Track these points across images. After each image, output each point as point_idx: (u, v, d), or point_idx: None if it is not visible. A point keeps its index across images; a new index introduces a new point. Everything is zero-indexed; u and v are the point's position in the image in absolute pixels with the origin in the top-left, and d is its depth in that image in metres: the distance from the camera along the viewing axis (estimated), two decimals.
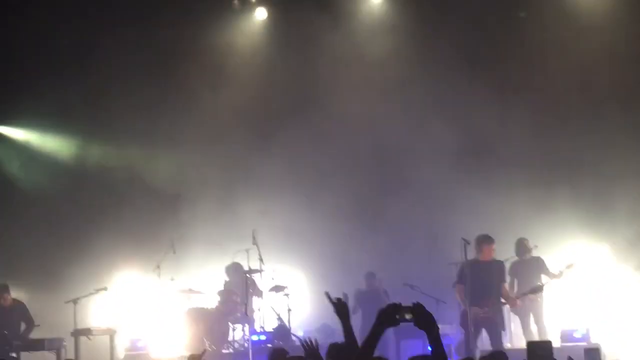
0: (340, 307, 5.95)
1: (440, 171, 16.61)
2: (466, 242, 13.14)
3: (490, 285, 13.28)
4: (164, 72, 17.60)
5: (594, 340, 13.81)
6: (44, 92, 17.21)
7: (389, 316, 5.44)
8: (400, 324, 5.16)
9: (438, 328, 5.46)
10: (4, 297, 14.94)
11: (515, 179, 16.46)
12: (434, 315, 5.44)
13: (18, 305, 15.10)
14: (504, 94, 16.74)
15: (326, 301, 6.15)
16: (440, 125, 16.57)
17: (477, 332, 13.21)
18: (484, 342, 13.60)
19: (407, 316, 5.38)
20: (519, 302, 13.79)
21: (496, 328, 13.21)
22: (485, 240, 13.34)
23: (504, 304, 13.46)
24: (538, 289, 13.99)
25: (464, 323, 13.22)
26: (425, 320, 5.42)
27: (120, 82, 17.15)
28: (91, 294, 16.05)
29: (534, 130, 16.56)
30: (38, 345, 14.43)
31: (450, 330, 15.38)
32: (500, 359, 8.33)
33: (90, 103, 17.58)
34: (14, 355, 14.31)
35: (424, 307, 5.43)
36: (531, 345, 6.01)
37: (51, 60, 17.36)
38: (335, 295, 6.29)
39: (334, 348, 6.70)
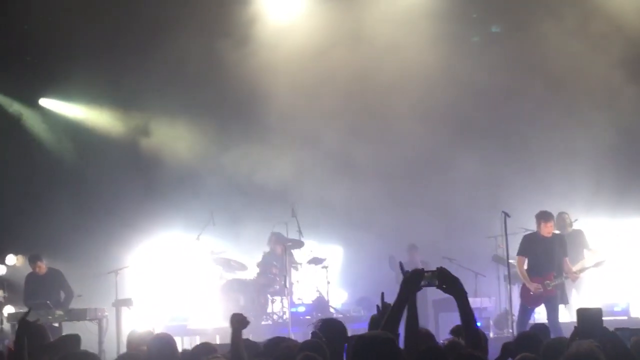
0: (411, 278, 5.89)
1: (480, 148, 16.51)
2: (506, 215, 13.07)
3: (550, 260, 13.20)
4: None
5: (634, 314, 13.69)
6: (88, 67, 17.23)
7: (412, 282, 5.48)
8: (439, 296, 5.19)
9: (466, 292, 5.46)
10: (38, 266, 15.16)
11: (553, 153, 16.31)
12: (471, 287, 5.44)
13: (55, 272, 15.32)
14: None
15: (364, 273, 6.18)
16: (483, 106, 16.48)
17: (534, 307, 13.18)
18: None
19: (432, 281, 5.41)
20: (575, 276, 13.61)
21: (555, 303, 13.11)
22: (542, 217, 13.25)
23: (563, 278, 13.32)
24: (600, 263, 13.83)
25: (524, 296, 13.18)
26: (450, 285, 5.43)
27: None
28: (130, 265, 16.28)
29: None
30: (80, 315, 14.60)
31: (489, 304, 15.35)
32: (543, 331, 8.33)
33: (129, 79, 17.53)
34: (56, 325, 14.51)
35: (448, 272, 5.45)
36: (581, 312, 5.96)
37: (100, 36, 17.29)
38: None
39: (375, 320, 6.69)
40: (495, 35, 17.79)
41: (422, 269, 5.52)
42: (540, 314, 13.43)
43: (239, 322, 7.16)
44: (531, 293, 12.98)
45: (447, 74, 16.57)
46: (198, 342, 13.23)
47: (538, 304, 13.16)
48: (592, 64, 15.70)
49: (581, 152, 16.12)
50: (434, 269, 5.51)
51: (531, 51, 16.54)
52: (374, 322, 6.60)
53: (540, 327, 8.96)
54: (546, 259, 13.16)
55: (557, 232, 13.54)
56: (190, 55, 16.99)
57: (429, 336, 6.54)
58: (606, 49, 15.71)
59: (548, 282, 13.07)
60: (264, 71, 16.70)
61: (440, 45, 16.58)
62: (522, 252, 13.27)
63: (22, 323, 6.64)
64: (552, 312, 13.04)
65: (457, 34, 16.86)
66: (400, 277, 5.71)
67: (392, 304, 5.64)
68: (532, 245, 13.16)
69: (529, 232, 13.32)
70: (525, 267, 13.22)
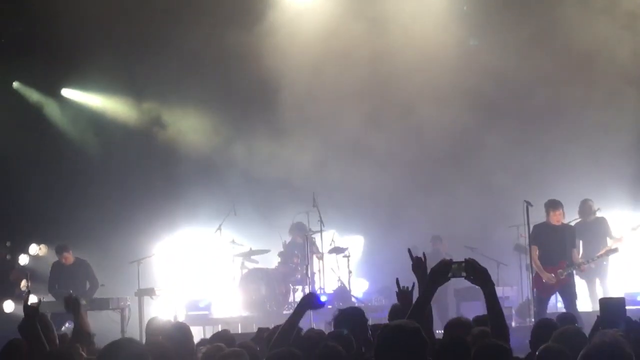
0: (418, 264, 5.97)
1: (502, 135, 16.40)
2: (528, 204, 13.01)
3: (562, 248, 13.16)
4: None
5: None
6: (109, 57, 17.24)
7: (440, 273, 5.48)
8: (461, 285, 5.22)
9: (493, 283, 5.46)
10: (65, 256, 15.27)
11: (577, 141, 16.18)
12: (492, 276, 5.43)
13: (81, 263, 15.43)
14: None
15: (385, 263, 6.21)
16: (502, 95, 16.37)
17: (549, 296, 13.12)
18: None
19: (460, 272, 5.40)
20: (584, 267, 13.56)
21: (570, 291, 13.08)
22: (550, 205, 13.22)
23: (573, 269, 13.26)
24: (613, 251, 13.75)
25: (537, 285, 13.11)
26: (479, 276, 5.43)
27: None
28: (154, 255, 16.37)
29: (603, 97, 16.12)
30: (103, 304, 14.71)
31: (511, 293, 15.31)
32: (570, 321, 8.28)
33: (151, 71, 17.52)
34: None
35: (476, 263, 5.46)
36: (604, 301, 5.92)
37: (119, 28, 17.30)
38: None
39: (395, 309, 6.70)
40: (520, 15, 17.45)
41: (451, 259, 5.52)
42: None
43: (310, 300, 6.59)
44: (544, 281, 12.92)
45: (470, 56, 16.42)
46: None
47: (552, 293, 13.13)
48: (620, 44, 15.50)
49: (610, 141, 15.95)
50: (461, 259, 5.49)
51: (556, 32, 16.31)
52: (394, 311, 6.60)
53: (567, 316, 8.92)
54: (557, 248, 13.13)
55: (565, 222, 13.45)
56: (207, 44, 16.91)
57: (465, 325, 6.50)
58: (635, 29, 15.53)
59: (561, 270, 13.04)
60: (281, 58, 16.64)
61: (462, 25, 16.48)
62: (533, 242, 13.21)
63: (27, 308, 6.70)
64: (569, 301, 13.01)
65: (479, 14, 16.71)
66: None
67: (417, 292, 5.66)
68: (543, 235, 13.10)
69: (538, 223, 13.21)
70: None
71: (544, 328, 6.77)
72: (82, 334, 7.61)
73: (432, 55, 16.38)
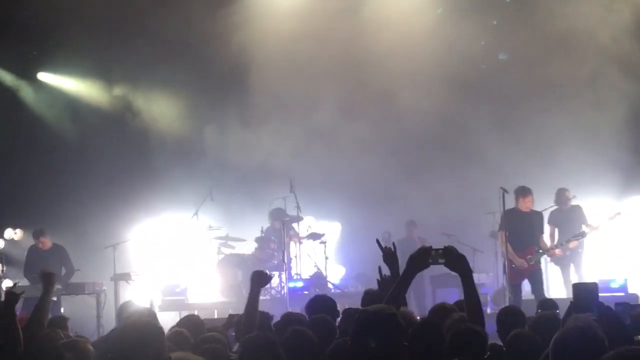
0: (389, 255, 6.05)
1: (480, 121, 16.45)
2: (504, 191, 13.08)
3: (531, 235, 13.31)
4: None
5: (632, 290, 13.71)
6: (84, 42, 17.10)
7: (419, 260, 5.52)
8: (437, 272, 5.27)
9: (471, 270, 5.51)
10: (42, 241, 15.18)
11: (558, 127, 16.25)
12: (469, 262, 5.49)
13: (58, 248, 15.33)
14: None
15: (362, 249, 6.27)
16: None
17: (520, 282, 13.22)
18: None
19: (439, 259, 5.45)
20: (558, 251, 13.73)
21: (539, 277, 13.25)
22: (520, 192, 13.36)
23: (542, 254, 13.42)
24: (580, 235, 13.89)
25: (507, 271, 13.19)
26: (457, 262, 5.48)
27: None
28: (130, 239, 16.32)
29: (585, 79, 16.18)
30: (78, 289, 14.65)
31: (486, 280, 15.39)
32: (551, 306, 8.34)
33: (127, 56, 17.41)
34: (54, 299, 14.52)
35: (455, 250, 5.51)
36: (577, 286, 5.97)
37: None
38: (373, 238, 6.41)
39: (368, 295, 6.74)
40: None
41: (430, 247, 5.57)
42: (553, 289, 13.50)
43: (259, 277, 6.75)
44: (513, 266, 13.00)
45: (448, 38, 16.33)
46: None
47: (522, 279, 13.22)
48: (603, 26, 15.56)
49: (589, 130, 16.00)
50: (440, 247, 5.54)
51: (537, 15, 16.31)
52: (367, 297, 6.63)
53: (548, 302, 8.99)
54: (526, 234, 13.27)
55: (535, 208, 13.55)
56: (182, 28, 16.81)
57: (449, 311, 6.53)
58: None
59: (530, 256, 13.19)
60: (257, 43, 16.61)
61: (440, 6, 16.47)
62: (502, 228, 13.29)
63: (9, 294, 6.63)
64: (538, 287, 13.17)
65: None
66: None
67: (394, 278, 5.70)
68: (512, 221, 13.17)
69: (507, 209, 13.28)
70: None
71: (511, 316, 6.82)
72: (57, 318, 7.53)
73: (409, 38, 16.38)
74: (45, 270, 7.32)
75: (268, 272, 7.04)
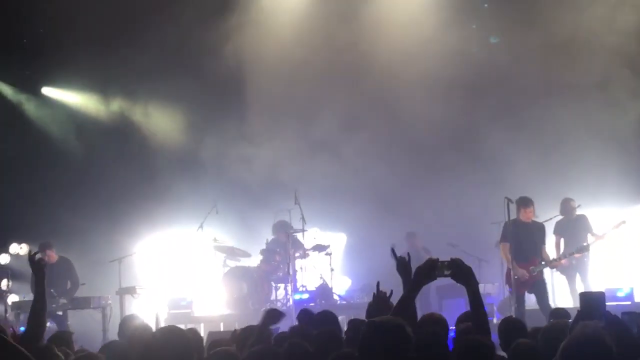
0: (402, 264, 6.00)
1: (483, 129, 16.42)
2: (509, 201, 13.03)
3: (533, 245, 13.21)
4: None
5: (639, 299, 13.67)
6: (85, 56, 17.13)
7: (427, 271, 5.50)
8: (443, 282, 5.22)
9: (477, 282, 5.49)
10: (48, 254, 15.15)
11: (563, 138, 16.22)
12: (475, 273, 5.47)
13: (64, 262, 15.31)
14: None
15: (368, 260, 6.23)
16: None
17: (523, 293, 13.15)
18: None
19: (445, 271, 5.44)
20: (564, 261, 13.67)
21: (543, 288, 13.13)
22: (521, 203, 13.24)
23: (544, 266, 13.33)
24: (584, 249, 13.84)
25: (509, 282, 13.14)
26: (463, 274, 5.47)
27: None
28: (135, 253, 16.32)
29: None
30: (84, 303, 14.65)
31: (492, 289, 15.36)
32: (562, 315, 8.27)
33: (132, 69, 17.43)
34: (60, 313, 14.54)
35: (462, 262, 5.49)
36: (584, 295, 5.95)
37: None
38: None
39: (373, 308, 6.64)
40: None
41: (437, 259, 5.54)
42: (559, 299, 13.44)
43: (273, 316, 6.99)
44: (515, 277, 12.93)
45: (452, 45, 16.28)
46: (202, 330, 13.32)
47: (525, 290, 13.14)
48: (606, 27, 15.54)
49: (594, 139, 15.95)
50: (448, 258, 5.56)
51: (544, 17, 16.24)
52: (370, 310, 6.60)
53: (560, 311, 8.94)
54: (529, 245, 13.14)
55: (535, 219, 13.47)
56: (183, 40, 16.89)
57: (439, 321, 6.50)
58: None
59: (533, 267, 13.09)
60: (258, 53, 16.64)
61: (441, 10, 16.47)
62: (504, 239, 13.20)
63: (34, 261, 6.67)
64: (542, 298, 13.06)
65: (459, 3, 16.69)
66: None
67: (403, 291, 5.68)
68: (514, 232, 13.04)
69: (509, 220, 13.21)
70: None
71: (511, 326, 6.77)
72: (60, 333, 7.47)
73: (411, 44, 16.37)
74: (33, 257, 7.09)
75: (282, 312, 7.16)
